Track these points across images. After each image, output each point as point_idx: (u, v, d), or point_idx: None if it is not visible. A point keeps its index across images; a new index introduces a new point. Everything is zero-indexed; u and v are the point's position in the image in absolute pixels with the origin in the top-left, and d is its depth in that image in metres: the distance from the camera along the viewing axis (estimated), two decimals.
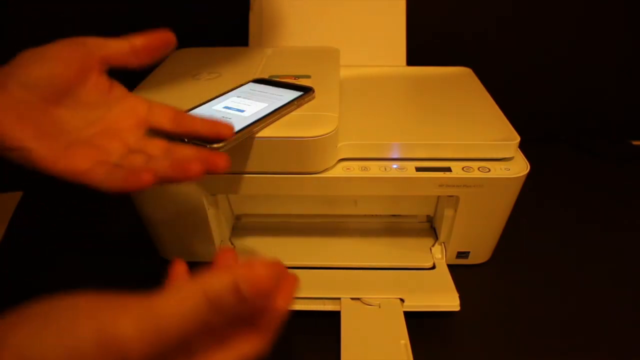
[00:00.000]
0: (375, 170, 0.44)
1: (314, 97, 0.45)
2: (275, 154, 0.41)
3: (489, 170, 0.43)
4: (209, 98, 0.43)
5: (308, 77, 0.49)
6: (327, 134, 0.40)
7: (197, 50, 0.60)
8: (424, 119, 0.48)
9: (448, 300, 0.45)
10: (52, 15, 0.71)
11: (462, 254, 0.52)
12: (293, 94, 0.44)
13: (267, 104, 0.42)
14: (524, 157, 0.45)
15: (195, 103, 0.42)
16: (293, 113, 0.42)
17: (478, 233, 0.50)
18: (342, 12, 0.62)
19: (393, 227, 0.56)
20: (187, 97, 0.44)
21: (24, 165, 0.29)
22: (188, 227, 0.49)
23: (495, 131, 0.46)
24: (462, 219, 0.48)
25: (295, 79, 0.49)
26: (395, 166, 0.44)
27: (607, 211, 0.62)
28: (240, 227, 0.56)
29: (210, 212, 0.48)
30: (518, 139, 0.44)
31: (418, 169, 0.44)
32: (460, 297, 0.45)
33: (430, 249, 0.52)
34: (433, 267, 0.50)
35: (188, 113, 0.36)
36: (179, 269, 0.30)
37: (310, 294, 0.46)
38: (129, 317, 0.21)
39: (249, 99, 0.43)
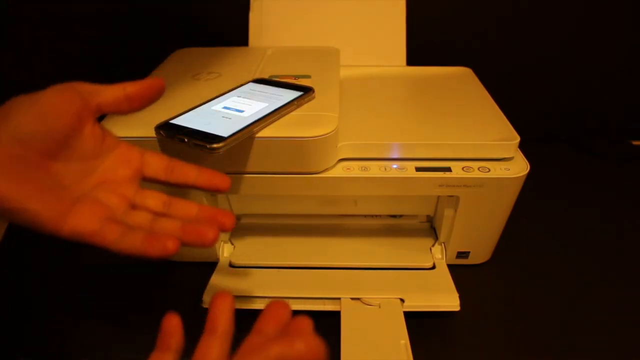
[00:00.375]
0: (375, 170, 0.44)
1: (314, 97, 0.45)
2: (275, 154, 0.41)
3: (489, 170, 0.43)
4: (209, 98, 0.43)
5: (308, 77, 0.49)
6: (327, 134, 0.40)
7: (197, 50, 0.60)
8: (424, 119, 0.48)
9: (448, 300, 0.45)
10: (52, 15, 0.71)
11: (462, 254, 0.52)
12: (293, 94, 0.44)
13: (267, 104, 0.42)
14: (524, 157, 0.45)
15: (195, 103, 0.42)
16: (293, 113, 0.42)
17: (478, 233, 0.50)
18: (342, 12, 0.62)
19: (393, 227, 0.56)
20: (187, 97, 0.44)
21: (28, 227, 0.27)
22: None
23: (495, 131, 0.46)
24: (462, 219, 0.48)
25: (295, 79, 0.49)
26: (395, 166, 0.44)
27: (607, 211, 0.62)
28: (240, 227, 0.56)
29: None
30: (518, 139, 0.44)
31: (418, 169, 0.44)
32: (460, 297, 0.45)
33: (430, 249, 0.52)
34: (433, 267, 0.50)
35: (181, 163, 0.34)
36: (172, 324, 0.30)
37: (310, 294, 0.46)
38: None
39: (249, 99, 0.43)
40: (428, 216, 0.56)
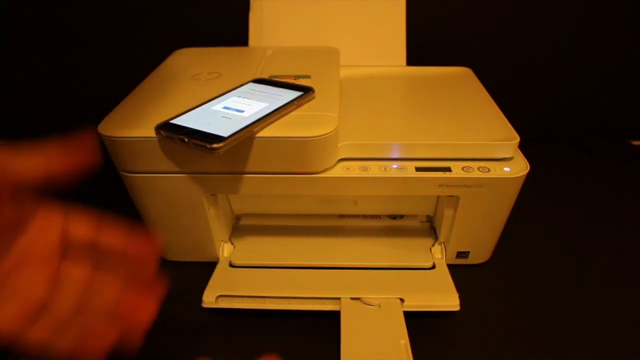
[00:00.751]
0: (375, 170, 0.44)
1: (314, 97, 0.45)
2: (275, 154, 0.41)
3: (489, 170, 0.43)
4: (209, 98, 0.43)
5: (308, 77, 0.49)
6: (327, 134, 0.40)
7: (197, 50, 0.60)
8: (424, 119, 0.48)
9: (448, 300, 0.45)
10: (52, 15, 0.71)
11: (462, 254, 0.52)
12: (293, 94, 0.44)
13: (267, 104, 0.42)
14: (524, 157, 0.45)
15: (195, 103, 0.42)
16: (293, 113, 0.42)
17: (478, 233, 0.50)
18: (342, 12, 0.62)
19: (393, 228, 0.56)
20: (187, 97, 0.44)
21: None
22: (188, 227, 0.49)
23: (495, 131, 0.46)
24: (462, 219, 0.48)
25: (295, 79, 0.49)
26: (395, 166, 0.44)
27: (607, 211, 0.62)
28: (241, 227, 0.56)
29: (210, 212, 0.48)
30: (518, 139, 0.44)
31: (418, 169, 0.44)
32: (460, 297, 0.45)
33: (430, 249, 0.52)
34: (433, 267, 0.50)
35: (111, 226, 0.30)
36: None
37: (310, 294, 0.46)
38: None
39: (249, 99, 0.43)
40: (428, 216, 0.56)
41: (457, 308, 0.45)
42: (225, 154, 0.37)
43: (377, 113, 0.50)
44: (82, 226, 0.29)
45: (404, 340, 0.42)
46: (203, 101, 0.43)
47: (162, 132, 0.38)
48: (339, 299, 0.46)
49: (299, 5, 0.62)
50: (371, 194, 0.46)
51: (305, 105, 0.44)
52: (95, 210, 0.30)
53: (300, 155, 0.41)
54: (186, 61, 0.56)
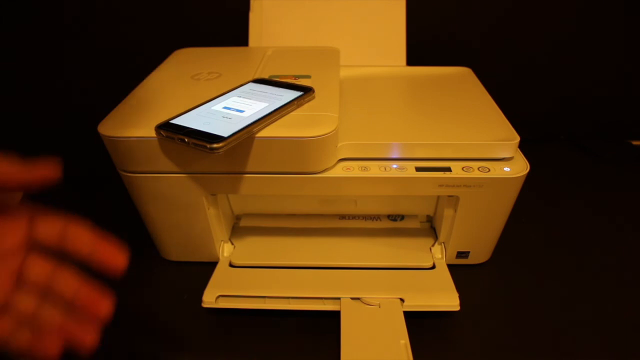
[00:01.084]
0: (375, 170, 0.44)
1: (314, 97, 0.45)
2: (275, 154, 0.41)
3: (489, 170, 0.43)
4: (209, 98, 0.43)
5: (308, 77, 0.49)
6: (327, 134, 0.40)
7: (197, 50, 0.60)
8: (423, 119, 0.48)
9: (448, 300, 0.45)
10: (51, 15, 0.71)
11: (462, 254, 0.52)
12: (293, 94, 0.44)
13: (267, 104, 0.42)
14: (524, 157, 0.45)
15: (195, 103, 0.42)
16: (293, 113, 0.42)
17: (478, 233, 0.50)
18: (342, 12, 0.62)
19: (393, 227, 0.56)
20: (187, 97, 0.44)
21: None
22: (188, 227, 0.49)
23: (495, 131, 0.46)
24: (462, 219, 0.48)
25: (295, 79, 0.49)
26: (395, 166, 0.44)
27: (606, 211, 0.62)
28: (240, 227, 0.56)
29: (210, 212, 0.48)
30: (518, 139, 0.44)
31: (418, 169, 0.44)
32: (460, 297, 0.45)
33: (430, 249, 0.52)
34: (433, 267, 0.50)
35: (77, 230, 0.30)
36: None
37: (310, 294, 0.46)
38: None
39: (249, 99, 0.43)
40: (428, 216, 0.56)
41: (457, 308, 0.45)
42: (225, 154, 0.37)
43: (377, 113, 0.50)
44: (47, 227, 0.29)
45: (404, 340, 0.42)
46: (203, 101, 0.43)
47: (162, 132, 0.38)
48: (339, 299, 0.46)
49: (299, 5, 0.62)
50: (371, 194, 0.46)
51: (305, 105, 0.44)
52: (62, 214, 0.30)
53: (300, 155, 0.41)
54: (186, 61, 0.56)
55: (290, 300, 0.46)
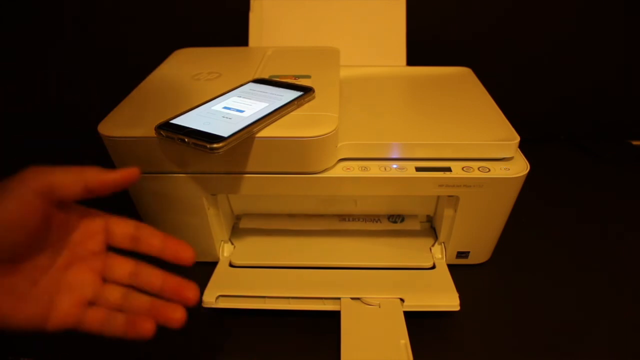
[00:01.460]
0: (375, 170, 0.44)
1: (314, 97, 0.45)
2: (275, 154, 0.41)
3: (489, 170, 0.43)
4: (209, 98, 0.43)
5: (308, 77, 0.49)
6: (327, 134, 0.40)
7: (197, 50, 0.60)
8: (423, 118, 0.48)
9: (448, 300, 0.45)
10: (51, 15, 0.71)
11: (462, 254, 0.52)
12: (293, 94, 0.44)
13: (267, 104, 0.42)
14: (524, 157, 0.45)
15: (195, 103, 0.42)
16: (293, 113, 0.42)
17: (478, 233, 0.50)
18: (342, 12, 0.62)
19: (393, 229, 0.56)
20: (187, 97, 0.44)
21: (10, 331, 0.28)
22: (188, 227, 0.49)
23: (495, 131, 0.46)
24: (462, 219, 0.48)
25: (295, 79, 0.49)
26: (395, 166, 0.44)
27: (606, 211, 0.62)
28: (240, 227, 0.56)
29: (210, 212, 0.48)
30: (518, 139, 0.44)
31: (418, 169, 0.44)
32: (460, 297, 0.45)
33: (430, 249, 0.52)
34: (433, 267, 0.50)
35: (148, 230, 0.33)
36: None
37: (310, 294, 0.46)
38: None
39: (249, 99, 0.43)
40: (428, 216, 0.56)
41: (457, 308, 0.45)
42: (225, 154, 0.37)
43: (377, 113, 0.50)
44: (122, 229, 0.33)
45: (404, 340, 0.42)
46: (203, 101, 0.43)
47: (162, 132, 0.38)
48: (339, 299, 0.46)
49: (299, 5, 0.62)
50: (371, 194, 0.46)
51: (305, 105, 0.44)
52: (132, 218, 0.34)
53: (300, 155, 0.41)
54: (186, 61, 0.56)
55: (290, 300, 0.46)
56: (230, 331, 0.46)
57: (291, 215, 0.56)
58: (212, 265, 0.51)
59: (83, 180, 0.30)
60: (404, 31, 0.62)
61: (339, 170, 0.44)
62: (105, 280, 0.32)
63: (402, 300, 0.46)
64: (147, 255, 0.33)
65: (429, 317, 0.46)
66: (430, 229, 0.56)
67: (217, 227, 0.51)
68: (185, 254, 0.33)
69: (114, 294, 0.32)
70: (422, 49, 0.63)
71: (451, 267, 0.50)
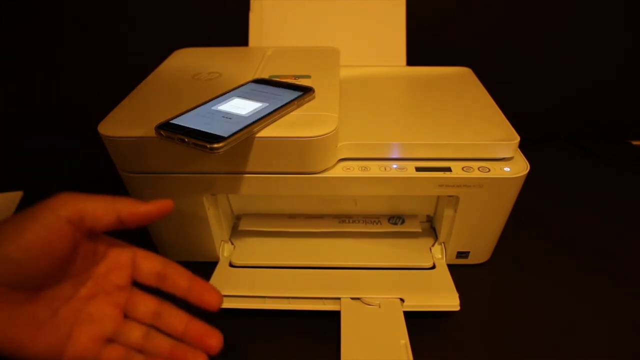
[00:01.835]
0: (375, 170, 0.44)
1: (314, 97, 0.45)
2: (275, 154, 0.41)
3: (489, 170, 0.43)
4: (209, 98, 0.43)
5: (308, 77, 0.49)
6: (327, 134, 0.40)
7: (197, 50, 0.60)
8: (424, 119, 0.48)
9: (448, 300, 0.45)
10: (52, 15, 0.71)
11: (462, 254, 0.52)
12: (293, 94, 0.44)
13: (267, 104, 0.42)
14: (524, 157, 0.45)
15: (195, 103, 0.42)
16: (293, 113, 0.42)
17: (478, 233, 0.50)
18: (342, 12, 0.62)
19: (393, 229, 0.56)
20: (187, 97, 0.44)
21: None
22: (188, 227, 0.49)
23: (495, 131, 0.46)
24: (462, 219, 0.48)
25: (295, 79, 0.49)
26: (395, 166, 0.44)
27: (607, 211, 0.62)
28: (240, 230, 0.56)
29: (210, 212, 0.48)
30: (518, 139, 0.44)
31: (418, 169, 0.44)
32: (460, 297, 0.45)
33: (430, 249, 0.52)
34: (433, 267, 0.50)
35: (175, 269, 0.33)
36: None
37: (310, 294, 0.46)
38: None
39: (249, 99, 0.43)
40: (428, 216, 0.56)
41: (457, 308, 0.45)
42: (225, 154, 0.37)
43: (377, 113, 0.50)
44: (149, 265, 0.32)
45: (404, 340, 0.42)
46: (203, 101, 0.43)
47: (162, 132, 0.38)
48: (339, 299, 0.46)
49: (299, 5, 0.62)
50: (371, 194, 0.46)
51: (305, 105, 0.44)
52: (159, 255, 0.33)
53: (300, 155, 0.41)
54: (186, 61, 0.56)
55: (290, 300, 0.46)
56: (230, 331, 0.46)
57: (291, 217, 0.56)
58: (212, 265, 0.51)
59: (116, 211, 0.29)
60: (404, 31, 0.62)
61: (339, 170, 0.44)
62: (126, 316, 0.31)
63: (402, 300, 0.46)
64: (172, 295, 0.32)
65: (429, 317, 0.46)
66: (430, 229, 0.56)
67: (217, 227, 0.51)
68: (212, 299, 0.32)
69: (134, 332, 0.31)
70: (422, 49, 0.63)
71: (451, 267, 0.50)
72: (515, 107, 0.51)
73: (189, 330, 0.31)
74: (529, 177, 0.44)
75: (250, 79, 0.48)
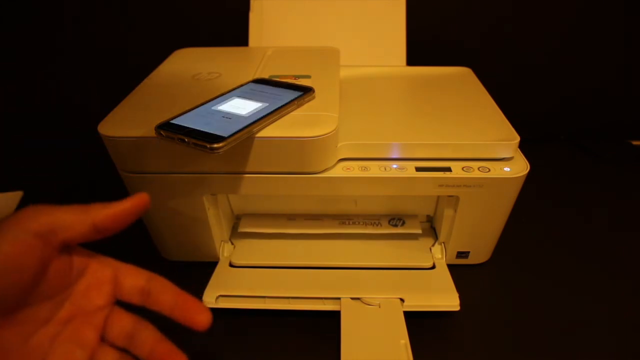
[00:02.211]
0: (375, 170, 0.44)
1: (314, 97, 0.45)
2: (275, 154, 0.41)
3: (489, 170, 0.43)
4: (209, 98, 0.43)
5: (308, 77, 0.49)
6: (327, 134, 0.40)
7: (197, 50, 0.60)
8: (424, 119, 0.48)
9: (448, 300, 0.45)
10: (51, 15, 0.71)
11: (462, 254, 0.52)
12: (293, 94, 0.44)
13: (267, 104, 0.42)
14: (524, 157, 0.45)
15: (195, 103, 0.42)
16: (293, 113, 0.42)
17: (478, 233, 0.50)
18: (342, 12, 0.62)
19: (394, 231, 0.56)
20: (187, 97, 0.44)
21: None
22: (188, 227, 0.49)
23: (495, 131, 0.46)
24: (462, 219, 0.48)
25: (295, 79, 0.49)
26: (395, 166, 0.44)
27: (606, 211, 0.62)
28: (239, 230, 0.56)
29: (210, 212, 0.48)
30: (518, 139, 0.44)
31: (418, 169, 0.44)
32: (460, 297, 0.45)
33: (430, 249, 0.52)
34: (433, 267, 0.50)
35: (160, 283, 0.30)
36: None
37: (310, 294, 0.46)
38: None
39: (249, 99, 0.43)
40: (428, 216, 0.56)
41: (457, 308, 0.45)
42: (225, 154, 0.37)
43: (377, 113, 0.50)
44: (132, 281, 0.29)
45: (404, 340, 0.42)
46: (203, 101, 0.43)
47: (162, 132, 0.38)
48: (339, 299, 0.46)
49: (299, 5, 0.62)
50: (371, 194, 0.46)
51: (305, 105, 0.44)
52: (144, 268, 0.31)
53: (300, 155, 0.41)
54: (186, 61, 0.56)
55: (290, 300, 0.46)
56: (230, 331, 0.46)
57: (290, 219, 0.55)
58: (212, 265, 0.51)
59: (90, 218, 0.27)
60: (404, 31, 0.62)
61: (339, 170, 0.44)
62: (104, 336, 0.29)
63: (402, 300, 0.46)
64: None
65: (429, 317, 0.46)
66: (430, 229, 0.56)
67: (217, 227, 0.51)
68: (199, 318, 0.28)
69: (109, 355, 0.28)
70: (422, 49, 0.63)
71: (451, 267, 0.50)
72: (515, 107, 0.51)
73: (154, 354, 0.29)
74: (529, 177, 0.44)
75: (250, 79, 0.48)
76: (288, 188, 0.44)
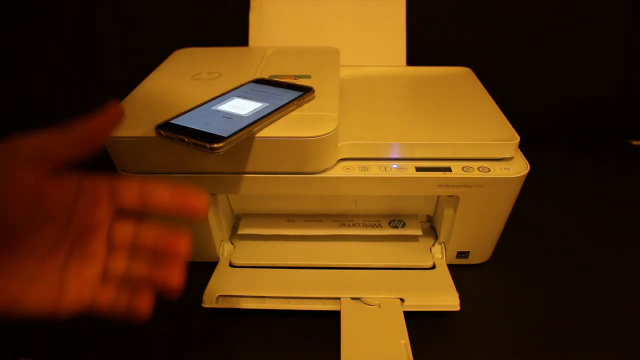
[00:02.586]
0: (375, 170, 0.44)
1: (314, 97, 0.45)
2: (275, 154, 0.41)
3: (489, 170, 0.43)
4: (209, 98, 0.43)
5: (308, 77, 0.49)
6: (327, 134, 0.40)
7: (197, 50, 0.60)
8: (423, 118, 0.48)
9: (448, 300, 0.45)
10: (52, 15, 0.71)
11: (462, 254, 0.52)
12: (293, 94, 0.44)
13: (267, 104, 0.42)
14: (524, 157, 0.45)
15: (195, 103, 0.42)
16: (293, 113, 0.42)
17: (478, 233, 0.50)
18: (342, 12, 0.62)
19: (394, 233, 0.55)
20: (187, 97, 0.44)
21: (22, 317, 0.26)
22: (188, 227, 0.49)
23: (495, 131, 0.46)
24: (462, 219, 0.48)
25: (295, 79, 0.49)
26: (395, 166, 0.44)
27: (606, 211, 0.62)
28: (239, 232, 0.56)
29: (210, 212, 0.48)
30: (518, 139, 0.44)
31: (418, 169, 0.44)
32: (460, 297, 0.45)
33: (430, 249, 0.52)
34: (433, 267, 0.50)
35: (154, 185, 0.30)
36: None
37: (310, 294, 0.46)
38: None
39: (249, 99, 0.43)
40: (428, 216, 0.56)
41: (457, 308, 0.45)
42: (225, 154, 0.37)
43: (377, 113, 0.50)
44: (127, 191, 0.30)
45: (404, 340, 0.42)
46: (203, 101, 0.43)
47: (162, 132, 0.38)
48: (339, 299, 0.46)
49: (299, 5, 0.62)
50: (371, 194, 0.46)
51: (305, 105, 0.44)
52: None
53: (300, 155, 0.41)
54: (186, 61, 0.56)
55: (290, 300, 0.46)
56: (230, 331, 0.46)
57: (290, 220, 0.55)
58: (212, 265, 0.51)
59: (73, 136, 0.28)
60: (404, 31, 0.62)
61: (339, 170, 0.44)
62: (110, 248, 0.30)
63: (402, 300, 0.46)
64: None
65: (429, 317, 0.46)
66: (431, 229, 0.56)
67: (217, 227, 0.51)
68: (195, 203, 0.29)
69: (119, 264, 0.29)
70: (422, 49, 0.63)
71: (451, 267, 0.50)
72: (515, 107, 0.51)
73: (158, 242, 0.30)
74: (529, 177, 0.44)
75: (250, 79, 0.48)
76: (288, 188, 0.44)
